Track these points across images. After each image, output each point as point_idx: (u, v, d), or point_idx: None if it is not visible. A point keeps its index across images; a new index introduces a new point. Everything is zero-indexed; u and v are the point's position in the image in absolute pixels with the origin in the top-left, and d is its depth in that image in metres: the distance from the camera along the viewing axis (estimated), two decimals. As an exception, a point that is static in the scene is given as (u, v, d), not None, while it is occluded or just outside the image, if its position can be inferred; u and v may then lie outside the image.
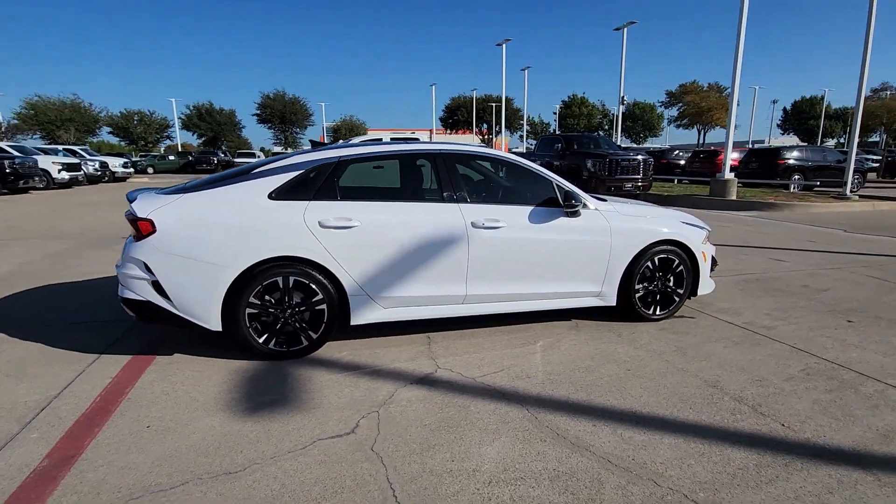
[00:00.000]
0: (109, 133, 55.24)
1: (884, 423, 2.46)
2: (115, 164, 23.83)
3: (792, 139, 65.32)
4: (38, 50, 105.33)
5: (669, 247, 3.86)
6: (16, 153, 16.79)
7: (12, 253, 6.40)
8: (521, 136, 53.10)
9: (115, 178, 23.17)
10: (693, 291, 4.04)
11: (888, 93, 51.90)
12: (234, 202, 3.06)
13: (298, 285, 3.09)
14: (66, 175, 17.87)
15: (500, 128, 40.40)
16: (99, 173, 21.21)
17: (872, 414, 2.55)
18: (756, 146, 29.69)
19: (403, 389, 2.79)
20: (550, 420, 2.47)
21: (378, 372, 3.02)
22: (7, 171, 14.91)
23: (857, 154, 14.04)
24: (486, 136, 62.79)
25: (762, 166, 16.57)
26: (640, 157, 12.96)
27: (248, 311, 3.02)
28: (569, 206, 3.56)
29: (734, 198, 12.76)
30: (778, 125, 68.69)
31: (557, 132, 51.40)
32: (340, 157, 3.35)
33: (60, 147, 23.08)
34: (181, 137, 58.56)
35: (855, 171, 15.01)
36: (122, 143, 55.42)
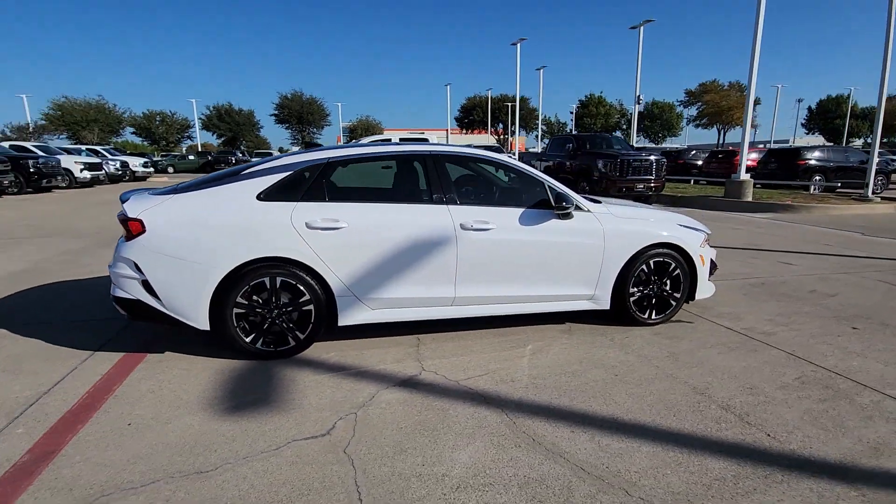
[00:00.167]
0: (132, 133, 56.78)
1: (876, 435, 2.37)
2: (136, 163, 24.57)
3: (817, 139, 63.62)
4: (63, 53, 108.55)
5: (666, 250, 3.79)
6: (40, 153, 17.35)
7: (30, 251, 6.60)
8: (537, 136, 52.83)
9: (136, 178, 23.87)
10: (691, 295, 3.96)
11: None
12: (223, 203, 3.10)
13: (286, 286, 3.12)
14: (87, 174, 18.39)
15: (516, 128, 40.14)
16: (120, 172, 21.86)
17: (865, 425, 2.46)
18: (777, 146, 28.98)
19: (385, 391, 2.79)
20: (528, 425, 2.44)
21: (363, 373, 3.02)
22: (31, 170, 15.42)
23: (880, 154, 13.59)
24: (501, 136, 62.57)
25: (781, 167, 16.17)
26: (652, 157, 12.72)
27: (236, 310, 3.05)
28: (560, 208, 3.51)
29: (750, 199, 12.46)
30: (802, 124, 67.05)
31: (573, 132, 50.84)
32: (330, 158, 3.36)
33: (83, 147, 23.80)
34: (201, 137, 59.86)
35: (878, 173, 14.56)
36: (145, 143, 56.82)
